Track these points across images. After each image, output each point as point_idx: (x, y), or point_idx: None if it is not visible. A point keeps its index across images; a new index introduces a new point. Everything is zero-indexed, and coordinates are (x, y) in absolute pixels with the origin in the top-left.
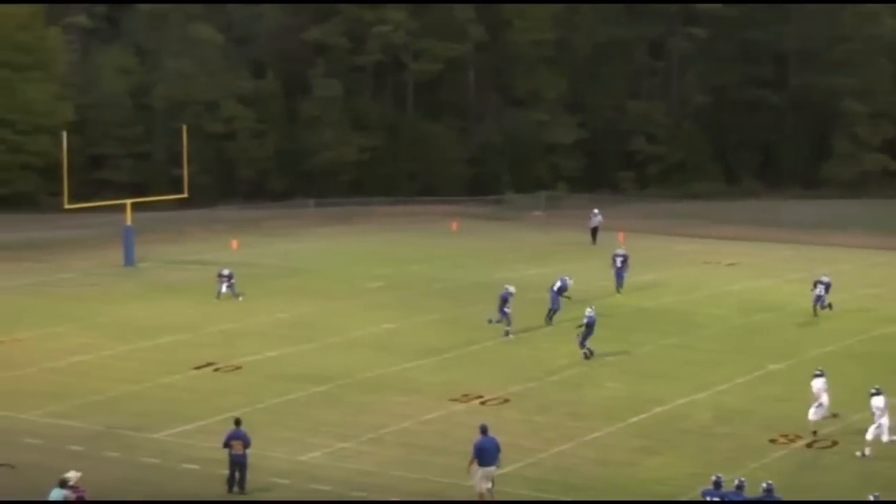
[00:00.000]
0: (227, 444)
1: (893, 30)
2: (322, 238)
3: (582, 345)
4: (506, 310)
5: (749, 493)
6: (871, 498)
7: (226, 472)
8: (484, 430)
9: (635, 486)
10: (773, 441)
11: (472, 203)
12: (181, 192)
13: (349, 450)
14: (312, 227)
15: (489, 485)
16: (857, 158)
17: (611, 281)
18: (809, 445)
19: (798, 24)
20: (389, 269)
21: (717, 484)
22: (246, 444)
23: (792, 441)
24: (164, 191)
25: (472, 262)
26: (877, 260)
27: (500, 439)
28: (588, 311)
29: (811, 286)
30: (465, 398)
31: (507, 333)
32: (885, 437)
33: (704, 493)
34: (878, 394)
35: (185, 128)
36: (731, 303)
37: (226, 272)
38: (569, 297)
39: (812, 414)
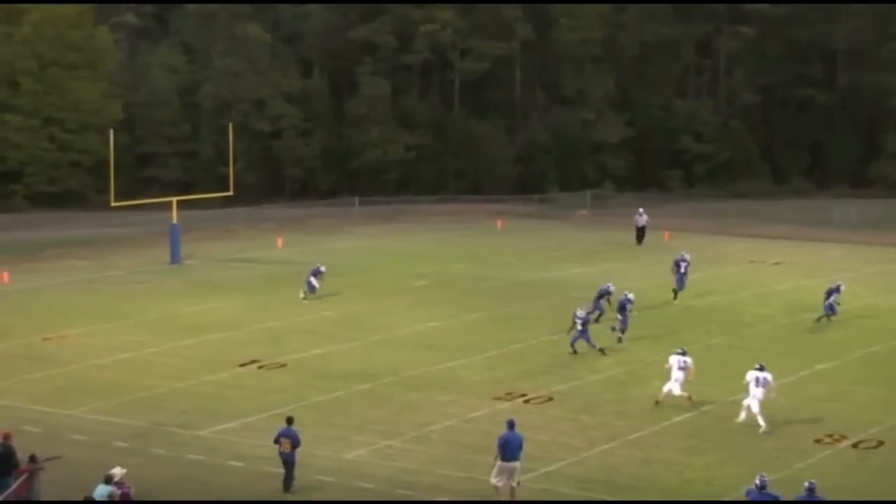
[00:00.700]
0: (276, 441)
1: None
2: (367, 237)
3: (572, 344)
4: (622, 315)
5: (790, 493)
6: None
7: (272, 469)
8: (511, 425)
9: (680, 485)
10: (818, 441)
11: (518, 202)
12: (227, 190)
13: (394, 448)
14: (358, 226)
15: (512, 481)
16: None
17: (662, 281)
18: (855, 446)
19: (846, 23)
20: (435, 267)
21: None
22: (294, 444)
23: (837, 441)
24: (211, 189)
25: (517, 260)
26: None
27: (545, 438)
28: (579, 312)
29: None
30: (510, 396)
31: (619, 340)
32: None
33: (748, 493)
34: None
35: (231, 126)
36: (778, 303)
37: (322, 269)
38: (609, 303)
39: (666, 387)
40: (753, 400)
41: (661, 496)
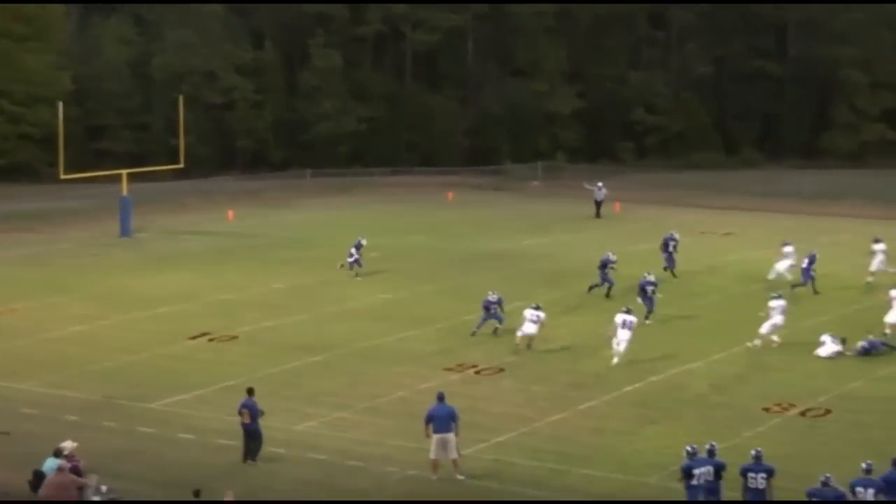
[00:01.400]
0: (239, 413)
1: None
2: (320, 209)
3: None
4: (648, 297)
5: (739, 461)
6: (864, 466)
7: (224, 441)
8: (440, 398)
9: (632, 454)
10: (767, 410)
11: (470, 173)
12: (178, 162)
13: (346, 419)
14: (311, 198)
15: (451, 454)
16: (856, 129)
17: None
18: (803, 414)
19: None
20: (387, 239)
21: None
22: (253, 414)
23: (786, 409)
24: (162, 161)
25: (470, 232)
26: (875, 230)
27: (497, 408)
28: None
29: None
30: (461, 367)
31: (646, 318)
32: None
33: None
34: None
35: (181, 98)
36: (729, 273)
37: (363, 241)
38: (614, 268)
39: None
40: (622, 341)
41: (612, 465)
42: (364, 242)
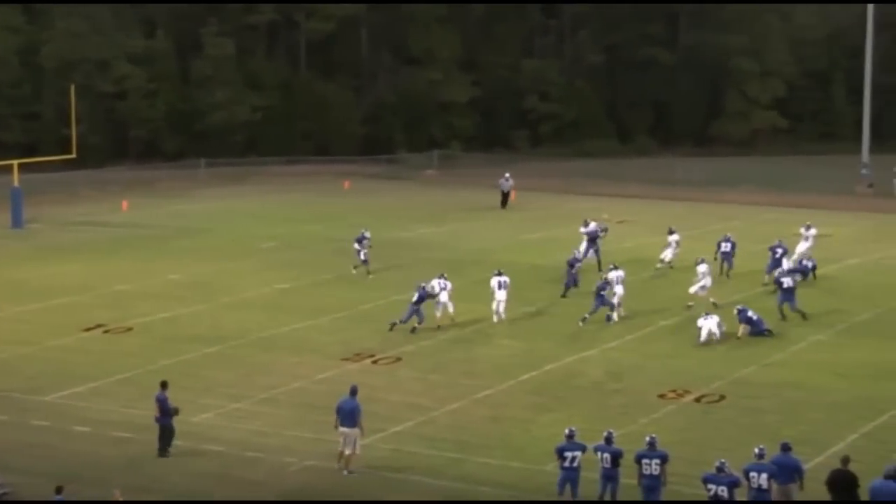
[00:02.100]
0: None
1: None
2: (215, 199)
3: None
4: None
5: (635, 448)
6: (757, 451)
7: (120, 433)
8: (351, 391)
9: (528, 442)
10: (662, 396)
11: (365, 162)
12: (70, 152)
13: (243, 410)
14: (205, 188)
15: (346, 448)
16: (747, 116)
17: (509, 241)
18: (698, 400)
19: None
20: (282, 229)
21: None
22: (162, 408)
23: (681, 396)
24: (54, 151)
25: (365, 221)
26: (767, 216)
27: (394, 398)
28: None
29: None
30: (358, 357)
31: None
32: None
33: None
34: (702, 262)
35: (72, 87)
36: (623, 260)
37: (367, 234)
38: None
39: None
40: (499, 302)
41: (510, 453)
42: (367, 235)
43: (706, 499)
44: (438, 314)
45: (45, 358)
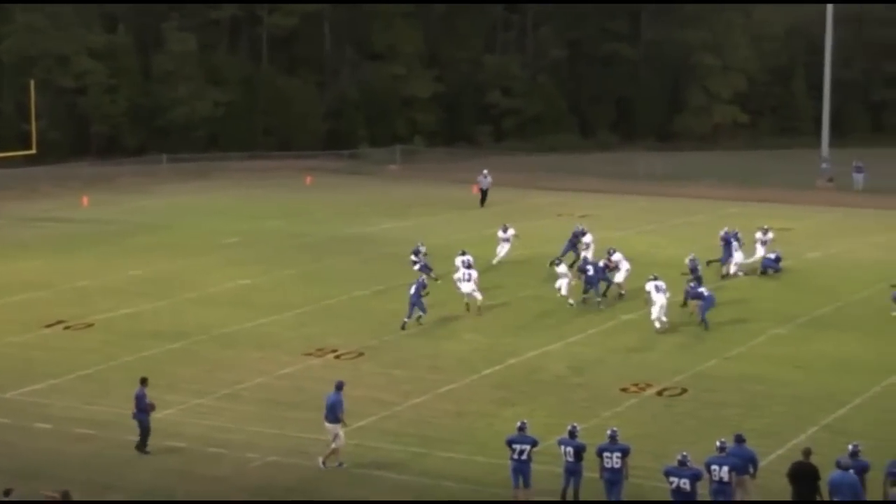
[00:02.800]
0: None
1: None
2: (177, 194)
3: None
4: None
5: (598, 442)
6: (718, 444)
7: (81, 430)
8: (336, 387)
9: (492, 436)
10: (624, 390)
11: (328, 157)
12: (30, 148)
13: (205, 406)
14: (166, 184)
15: (334, 443)
16: (708, 111)
17: (472, 236)
18: (660, 393)
19: None
20: (245, 224)
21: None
22: (139, 405)
23: (643, 389)
24: (14, 147)
25: (328, 216)
26: (729, 210)
27: (357, 392)
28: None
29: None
30: (321, 352)
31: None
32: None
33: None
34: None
35: (32, 83)
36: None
37: (422, 248)
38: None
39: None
40: (470, 286)
41: (473, 448)
42: (423, 248)
43: (668, 492)
44: (467, 292)
45: (4, 354)
